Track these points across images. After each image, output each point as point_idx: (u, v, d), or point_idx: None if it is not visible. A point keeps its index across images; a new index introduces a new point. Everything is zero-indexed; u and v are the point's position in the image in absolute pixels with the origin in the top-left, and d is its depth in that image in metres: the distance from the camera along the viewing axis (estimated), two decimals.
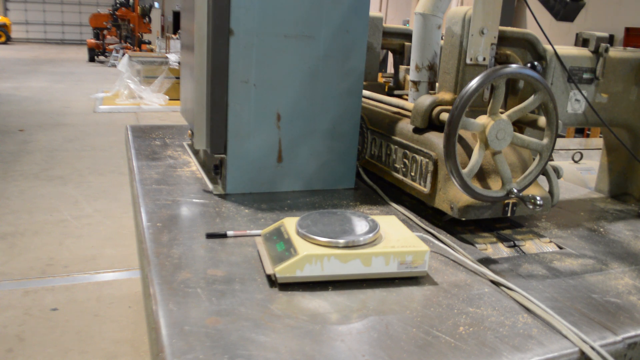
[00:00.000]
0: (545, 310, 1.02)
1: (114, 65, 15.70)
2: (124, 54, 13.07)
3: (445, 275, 1.17)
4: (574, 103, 1.65)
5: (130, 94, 9.95)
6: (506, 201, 1.37)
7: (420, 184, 1.50)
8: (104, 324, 2.95)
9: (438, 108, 1.50)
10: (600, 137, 3.29)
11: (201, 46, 1.47)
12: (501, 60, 1.56)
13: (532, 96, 1.31)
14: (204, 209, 1.46)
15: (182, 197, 1.53)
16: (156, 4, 26.07)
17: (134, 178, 1.68)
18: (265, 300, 1.01)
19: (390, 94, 2.07)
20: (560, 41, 1.80)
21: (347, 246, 1.08)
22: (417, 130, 1.54)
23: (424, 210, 1.58)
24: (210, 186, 1.64)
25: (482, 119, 1.31)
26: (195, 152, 2.01)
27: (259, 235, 1.26)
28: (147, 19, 19.89)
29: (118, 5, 19.76)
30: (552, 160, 1.70)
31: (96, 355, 2.69)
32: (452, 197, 1.37)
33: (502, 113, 1.33)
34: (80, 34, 29.96)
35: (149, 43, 18.44)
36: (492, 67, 1.48)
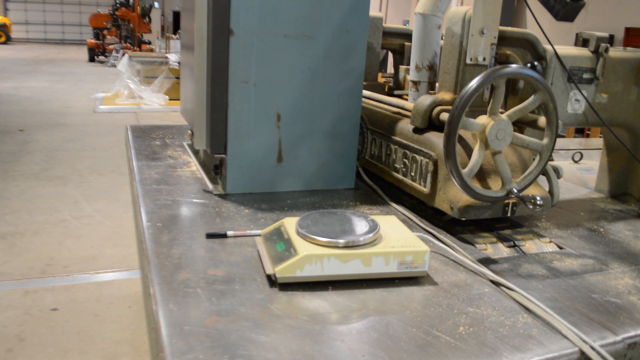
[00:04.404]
0: (545, 310, 1.02)
1: (114, 65, 15.71)
2: (124, 54, 13.07)
3: (445, 275, 1.17)
4: (574, 103, 1.65)
5: (130, 94, 9.95)
6: (506, 201, 1.37)
7: (420, 184, 1.50)
8: (104, 324, 2.95)
9: (438, 108, 1.50)
10: (600, 137, 3.29)
11: (201, 46, 1.47)
12: (501, 60, 1.56)
13: (532, 96, 1.31)
14: (204, 209, 1.46)
15: (182, 197, 1.53)
16: (156, 4, 26.08)
17: (134, 178, 1.68)
18: (265, 300, 1.01)
19: (390, 94, 2.07)
20: (560, 41, 1.80)
21: (347, 246, 1.08)
22: (417, 130, 1.54)
23: (424, 210, 1.58)
24: (210, 186, 1.64)
25: (482, 119, 1.31)
26: (195, 152, 2.01)
27: (259, 235, 1.26)
28: (147, 19, 19.90)
29: (118, 5, 19.76)
30: (552, 160, 1.70)
31: (96, 355, 2.69)
32: (452, 197, 1.37)
33: (502, 113, 1.33)
34: (80, 34, 29.97)
35: (149, 43, 18.45)
36: (492, 67, 1.48)
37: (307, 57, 1.56)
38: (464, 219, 1.35)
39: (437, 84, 1.65)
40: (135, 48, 17.99)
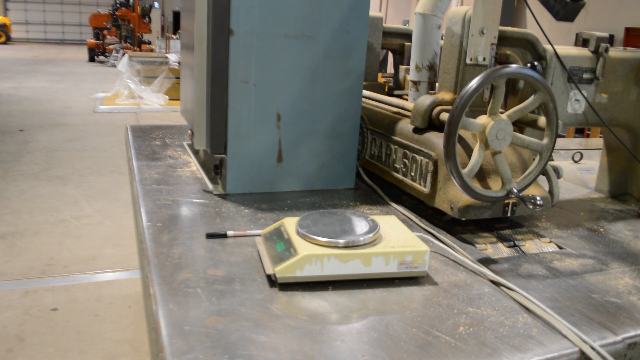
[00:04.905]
0: (545, 310, 1.02)
1: (114, 65, 15.71)
2: (124, 54, 13.07)
3: (445, 275, 1.17)
4: (574, 103, 1.65)
5: (130, 94, 9.95)
6: (506, 201, 1.37)
7: (420, 184, 1.50)
8: (104, 324, 2.96)
9: (438, 108, 1.50)
10: (600, 137, 3.29)
11: (201, 46, 1.47)
12: (501, 60, 1.56)
13: (532, 96, 1.31)
14: (204, 209, 1.46)
15: (182, 197, 1.53)
16: (156, 4, 26.09)
17: (134, 178, 1.69)
18: (265, 300, 1.01)
19: (390, 94, 2.07)
20: (560, 41, 1.80)
21: (347, 246, 1.08)
22: (417, 130, 1.54)
23: (424, 210, 1.58)
24: (210, 186, 1.64)
25: (482, 119, 1.31)
26: (195, 152, 2.01)
27: (259, 235, 1.26)
28: (147, 19, 19.90)
29: (118, 5, 19.76)
30: (552, 160, 1.70)
31: (96, 355, 2.69)
32: (452, 197, 1.37)
33: (502, 113, 1.33)
34: (80, 34, 29.97)
35: (149, 43, 18.45)
36: (492, 67, 1.48)
37: (307, 57, 1.56)
38: (464, 219, 1.35)
39: (437, 84, 1.65)
40: (135, 48, 17.98)
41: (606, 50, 1.62)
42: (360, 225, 1.16)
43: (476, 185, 1.30)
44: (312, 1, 1.52)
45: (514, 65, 1.27)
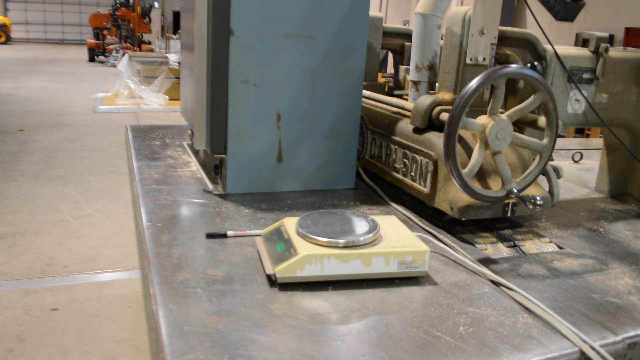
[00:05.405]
0: (545, 310, 1.02)
1: (114, 65, 15.72)
2: (124, 54, 13.07)
3: (445, 275, 1.17)
4: (574, 103, 1.65)
5: (130, 94, 9.95)
6: (506, 201, 1.37)
7: (420, 184, 1.50)
8: (104, 324, 2.96)
9: (438, 108, 1.50)
10: (600, 137, 3.29)
11: (201, 46, 1.47)
12: (501, 60, 1.56)
13: (532, 96, 1.31)
14: (204, 209, 1.46)
15: (182, 197, 1.53)
16: (156, 4, 26.09)
17: (134, 178, 1.69)
18: (265, 300, 1.01)
19: (390, 94, 2.07)
20: (560, 41, 1.80)
21: (347, 246, 1.08)
22: (417, 130, 1.54)
23: (424, 210, 1.58)
24: (210, 186, 1.64)
25: (482, 119, 1.31)
26: (195, 152, 2.01)
27: (259, 235, 1.26)
28: (147, 19, 19.90)
29: (118, 5, 19.77)
30: (552, 160, 1.70)
31: (96, 355, 2.69)
32: (452, 197, 1.37)
33: (502, 113, 1.33)
34: (80, 34, 29.98)
35: (149, 43, 18.45)
36: (492, 67, 1.48)
37: (307, 57, 1.56)
38: (464, 219, 1.35)
39: (437, 84, 1.65)
40: (135, 48, 17.99)
41: (606, 50, 1.62)
42: (360, 225, 1.16)
43: (476, 185, 1.30)
44: (312, 1, 1.52)
45: (514, 65, 1.27)
